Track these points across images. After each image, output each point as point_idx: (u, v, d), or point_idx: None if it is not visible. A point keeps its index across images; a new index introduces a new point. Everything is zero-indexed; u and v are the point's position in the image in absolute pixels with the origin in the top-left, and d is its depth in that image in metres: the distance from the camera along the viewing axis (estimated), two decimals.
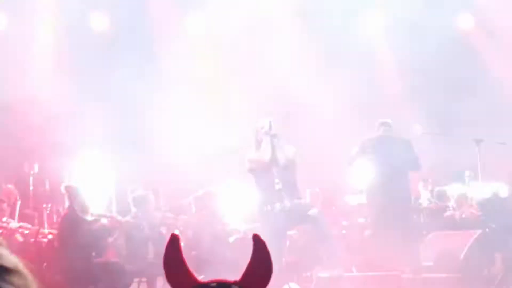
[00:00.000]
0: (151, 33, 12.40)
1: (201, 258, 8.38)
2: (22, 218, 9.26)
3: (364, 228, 10.18)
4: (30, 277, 1.20)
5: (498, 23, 12.85)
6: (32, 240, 8.78)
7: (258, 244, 1.46)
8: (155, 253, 8.52)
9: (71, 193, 7.96)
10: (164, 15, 12.59)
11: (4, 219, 8.87)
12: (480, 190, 10.43)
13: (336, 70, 12.31)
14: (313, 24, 12.28)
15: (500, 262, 8.97)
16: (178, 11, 12.75)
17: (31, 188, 10.22)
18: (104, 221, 8.21)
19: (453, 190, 11.40)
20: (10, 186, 10.12)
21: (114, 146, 11.17)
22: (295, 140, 8.55)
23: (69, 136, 11.43)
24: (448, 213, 10.45)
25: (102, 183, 11.24)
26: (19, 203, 9.93)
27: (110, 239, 7.95)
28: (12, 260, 1.19)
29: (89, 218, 7.96)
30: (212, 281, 1.46)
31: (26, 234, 8.77)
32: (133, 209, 8.97)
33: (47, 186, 10.60)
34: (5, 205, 9.04)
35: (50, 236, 8.78)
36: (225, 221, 9.63)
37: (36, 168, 10.80)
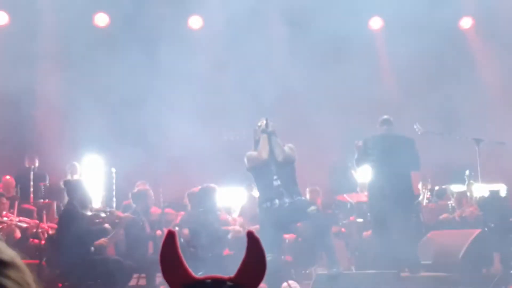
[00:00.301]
0: (151, 29, 12.41)
1: (199, 255, 8.40)
2: (22, 213, 9.28)
3: (363, 226, 10.20)
4: (27, 271, 1.21)
5: (498, 23, 12.86)
6: (31, 235, 8.80)
7: (252, 240, 1.47)
8: (155, 249, 8.54)
9: (70, 188, 7.97)
10: (165, 11, 12.59)
11: (3, 213, 8.88)
12: (479, 189, 10.45)
13: (335, 70, 12.33)
14: (313, 24, 12.27)
15: (499, 261, 8.98)
16: (178, 7, 12.75)
17: (31, 183, 10.24)
18: (103, 216, 8.22)
19: (453, 189, 11.42)
20: (7, 177, 10.13)
21: (114, 142, 11.20)
22: (295, 138, 8.55)
23: (69, 131, 11.46)
24: (447, 212, 10.46)
25: (102, 179, 11.28)
26: (18, 197, 9.97)
27: (109, 235, 7.96)
28: (9, 253, 1.20)
29: (88, 213, 7.97)
30: (207, 278, 1.47)
31: (25, 229, 8.80)
32: (133, 205, 8.98)
33: (47, 181, 10.63)
34: (4, 199, 9.05)
35: (49, 231, 8.81)
36: (222, 217, 9.65)
37: (36, 163, 10.83)
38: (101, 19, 13.04)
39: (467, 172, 10.85)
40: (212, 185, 9.06)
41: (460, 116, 12.24)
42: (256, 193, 8.78)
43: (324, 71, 12.75)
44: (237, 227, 9.45)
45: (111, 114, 11.55)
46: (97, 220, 8.06)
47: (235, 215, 10.40)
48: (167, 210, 9.76)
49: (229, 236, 9.04)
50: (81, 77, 11.81)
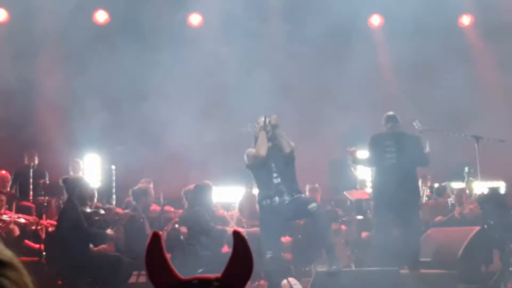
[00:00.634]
0: (150, 26, 12.40)
1: (198, 253, 8.40)
2: (21, 210, 9.26)
3: (363, 223, 10.19)
4: (24, 271, 1.21)
5: (498, 20, 12.85)
6: (31, 232, 8.80)
7: (239, 240, 1.48)
8: None
9: (70, 185, 7.96)
10: (164, 8, 12.59)
11: (2, 210, 8.86)
12: (479, 186, 10.45)
13: (335, 66, 12.32)
14: (313, 20, 12.26)
15: (498, 259, 8.98)
16: (178, 4, 12.74)
17: (31, 180, 10.23)
18: (103, 213, 8.22)
19: (452, 186, 11.43)
20: (3, 172, 10.10)
21: (114, 139, 11.21)
22: (294, 135, 8.54)
23: (69, 128, 11.45)
24: (447, 210, 10.46)
25: (101, 176, 11.28)
26: (15, 194, 9.96)
27: (109, 232, 7.96)
28: (6, 253, 1.20)
29: (88, 210, 7.97)
30: (194, 278, 1.48)
31: (25, 226, 8.79)
32: (133, 202, 8.98)
33: (47, 179, 10.62)
34: (2, 196, 9.04)
35: (49, 228, 8.80)
36: (218, 213, 9.64)
37: (36, 160, 10.83)
38: (101, 16, 13.04)
39: (467, 169, 10.86)
40: (207, 181, 9.04)
41: (459, 113, 12.23)
42: (256, 191, 8.76)
43: (324, 67, 12.75)
44: (236, 225, 9.44)
45: (111, 111, 11.54)
46: (97, 218, 8.06)
47: (233, 212, 10.40)
48: (167, 207, 9.75)
49: (228, 234, 9.03)
50: (80, 74, 11.80)
